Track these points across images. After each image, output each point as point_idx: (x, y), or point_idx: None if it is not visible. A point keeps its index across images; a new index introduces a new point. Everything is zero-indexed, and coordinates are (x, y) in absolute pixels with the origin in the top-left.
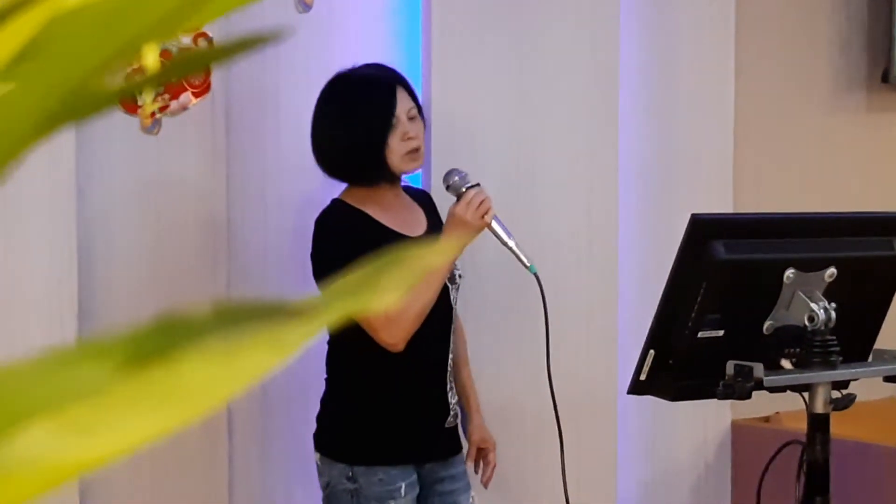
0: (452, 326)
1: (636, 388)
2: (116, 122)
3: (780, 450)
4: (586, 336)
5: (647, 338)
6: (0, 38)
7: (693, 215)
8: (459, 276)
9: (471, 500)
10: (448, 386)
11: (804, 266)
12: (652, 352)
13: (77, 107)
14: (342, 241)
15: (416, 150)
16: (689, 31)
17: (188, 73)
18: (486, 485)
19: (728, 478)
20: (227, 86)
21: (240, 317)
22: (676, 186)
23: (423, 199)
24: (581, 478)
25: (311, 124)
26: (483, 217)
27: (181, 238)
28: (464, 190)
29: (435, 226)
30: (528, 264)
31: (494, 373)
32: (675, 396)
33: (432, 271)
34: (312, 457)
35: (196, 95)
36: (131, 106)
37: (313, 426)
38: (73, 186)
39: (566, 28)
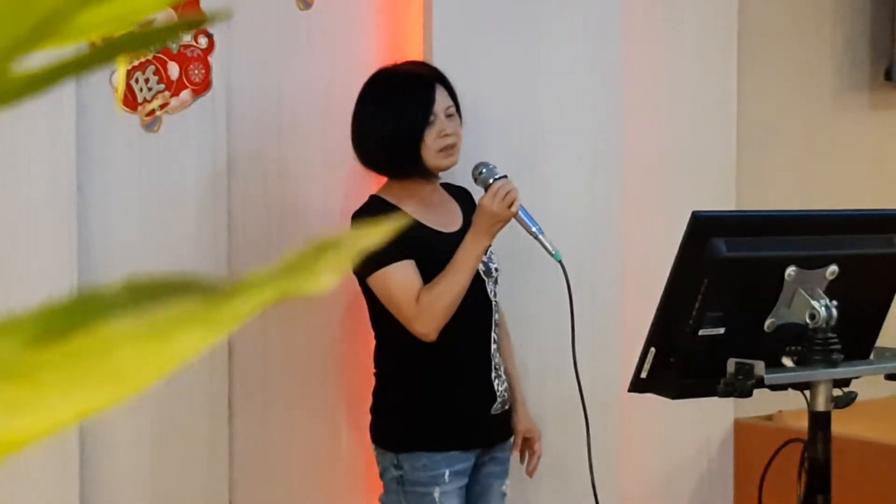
0: (494, 318)
1: (637, 385)
2: (116, 120)
3: (780, 448)
4: (590, 335)
5: (648, 335)
6: None
7: (694, 213)
8: (496, 269)
9: (504, 486)
10: (493, 374)
11: (805, 264)
12: (653, 349)
13: None
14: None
15: (452, 146)
16: (692, 29)
17: (125, 52)
18: (531, 474)
19: (731, 476)
20: (228, 83)
21: (153, 293)
22: (679, 184)
23: (461, 195)
24: (585, 475)
25: (352, 119)
26: (510, 207)
27: (182, 236)
28: (491, 182)
29: (471, 222)
30: (554, 252)
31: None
32: (676, 394)
33: (461, 262)
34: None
35: (196, 93)
36: (131, 104)
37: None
38: (73, 184)
39: (569, 25)
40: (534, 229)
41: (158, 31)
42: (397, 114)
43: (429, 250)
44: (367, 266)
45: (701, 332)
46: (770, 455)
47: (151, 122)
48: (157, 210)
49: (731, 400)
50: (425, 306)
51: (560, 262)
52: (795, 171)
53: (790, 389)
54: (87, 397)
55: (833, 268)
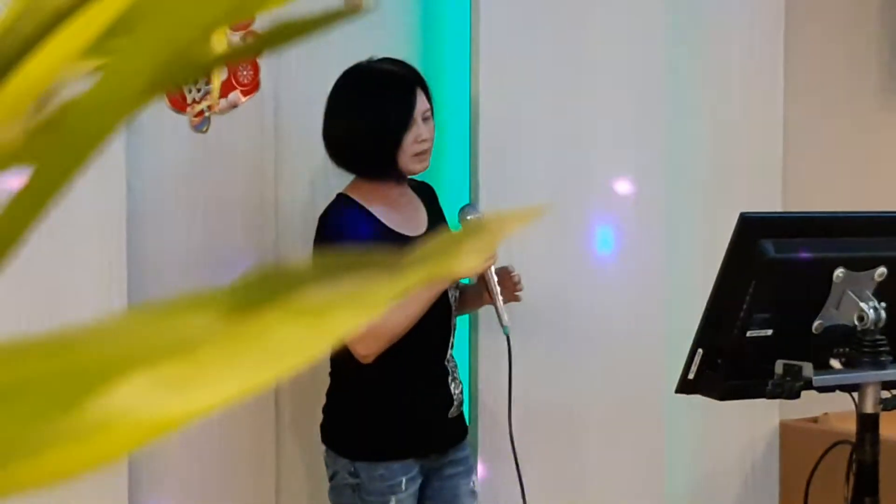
0: (453, 323)
1: (684, 386)
2: (166, 121)
3: (828, 450)
4: (634, 335)
5: (696, 336)
6: (89, 15)
7: (742, 214)
8: None
9: (472, 484)
10: (450, 378)
11: (854, 265)
12: (700, 351)
13: (176, 74)
14: (342, 240)
15: (427, 151)
16: (738, 29)
17: (280, 45)
18: (517, 294)
19: (776, 478)
20: (276, 84)
21: (338, 269)
22: (725, 185)
23: (425, 191)
24: (629, 477)
25: (324, 112)
26: (486, 262)
27: (230, 237)
28: None
29: (436, 221)
30: (505, 324)
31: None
32: (723, 396)
33: (418, 294)
34: None
35: (245, 94)
36: (180, 104)
37: None
38: (123, 184)
39: (612, 26)
40: (496, 292)
41: (307, 23)
42: (376, 115)
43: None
44: None
45: (749, 334)
46: (816, 457)
47: (200, 123)
48: (206, 210)
49: (776, 402)
50: (372, 330)
51: (507, 336)
52: (842, 172)
53: (837, 391)
54: (246, 376)
55: (882, 269)
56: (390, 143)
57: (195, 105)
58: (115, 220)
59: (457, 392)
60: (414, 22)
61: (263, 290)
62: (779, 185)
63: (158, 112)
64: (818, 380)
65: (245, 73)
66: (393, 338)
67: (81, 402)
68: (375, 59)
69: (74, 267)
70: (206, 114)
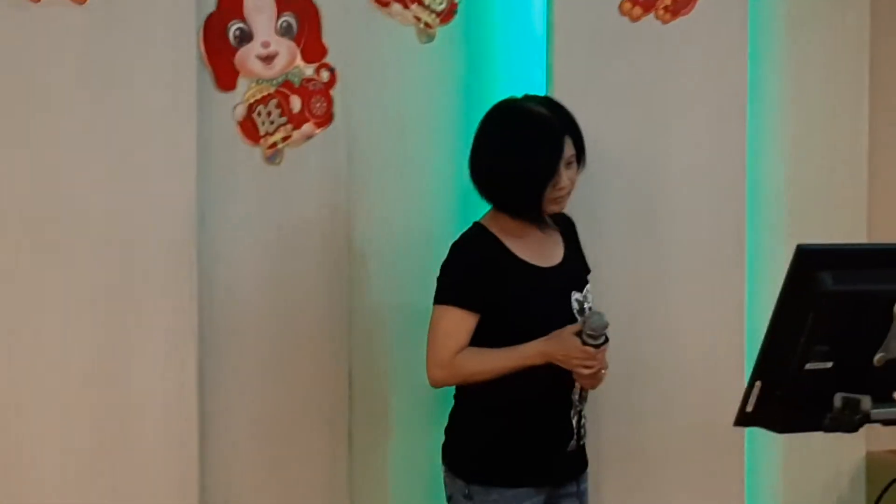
0: None
1: (743, 419)
2: (238, 153)
3: None
4: (713, 367)
5: (754, 369)
6: None
7: (799, 246)
8: (588, 289)
9: None
10: (572, 411)
11: None
12: (758, 383)
13: None
14: (470, 268)
15: (565, 196)
16: (821, 52)
17: None
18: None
19: None
20: (350, 115)
21: None
22: (807, 212)
23: (563, 222)
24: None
25: (475, 144)
26: (576, 368)
27: (303, 268)
28: (591, 341)
29: (572, 253)
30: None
31: None
32: (782, 428)
33: (512, 358)
34: (433, 466)
35: (318, 126)
36: (253, 136)
37: (435, 438)
38: (194, 217)
39: (694, 50)
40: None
41: None
42: (524, 163)
43: (526, 286)
44: (440, 294)
45: (808, 366)
46: None
47: (273, 155)
48: (279, 242)
49: (862, 432)
50: (456, 365)
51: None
52: None
53: None
54: None
55: None
56: (534, 190)
57: (268, 137)
58: (187, 253)
59: (578, 426)
60: (487, 52)
61: None
62: (864, 213)
63: (230, 144)
64: (876, 413)
65: (318, 105)
66: (465, 381)
67: None
68: (528, 96)
69: (145, 300)
70: (279, 146)
